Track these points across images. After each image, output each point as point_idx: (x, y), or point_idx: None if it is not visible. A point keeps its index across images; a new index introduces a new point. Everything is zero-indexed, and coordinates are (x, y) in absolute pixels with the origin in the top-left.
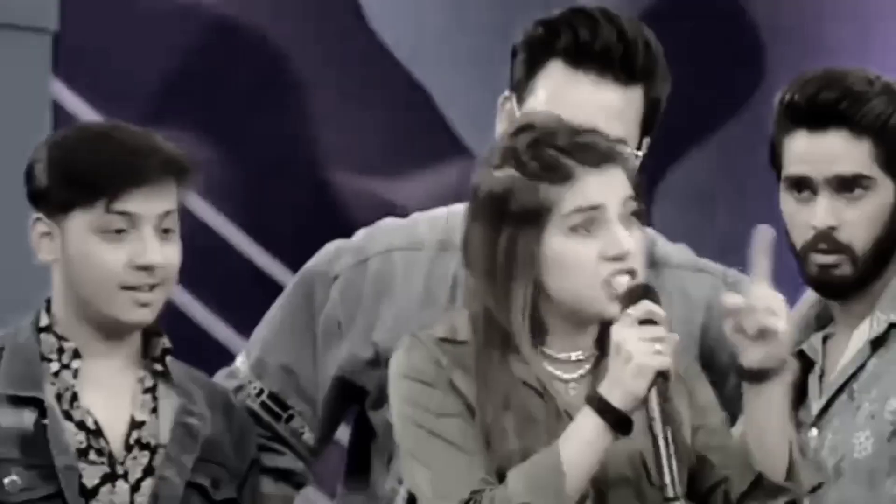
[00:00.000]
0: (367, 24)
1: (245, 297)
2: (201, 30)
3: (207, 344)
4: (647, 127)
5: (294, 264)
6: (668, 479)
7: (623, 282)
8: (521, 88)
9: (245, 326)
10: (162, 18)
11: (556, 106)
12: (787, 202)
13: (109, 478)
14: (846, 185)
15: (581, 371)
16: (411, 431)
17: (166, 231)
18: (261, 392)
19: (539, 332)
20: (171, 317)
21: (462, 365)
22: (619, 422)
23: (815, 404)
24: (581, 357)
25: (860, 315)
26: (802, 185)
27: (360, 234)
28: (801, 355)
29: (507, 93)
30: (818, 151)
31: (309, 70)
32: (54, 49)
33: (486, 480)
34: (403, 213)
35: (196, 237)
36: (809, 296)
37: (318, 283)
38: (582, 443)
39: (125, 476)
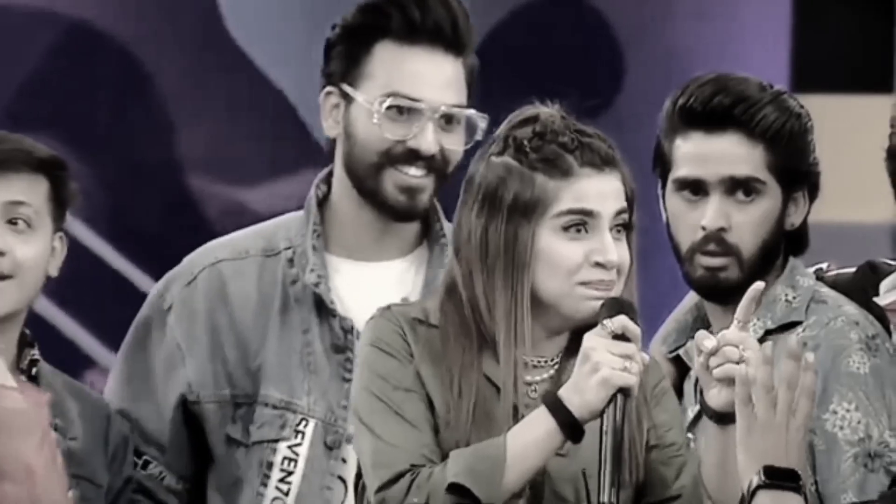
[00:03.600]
0: (227, 30)
1: (102, 300)
2: (58, 34)
3: (61, 344)
4: (470, 96)
5: (151, 269)
6: (605, 498)
7: (601, 294)
8: (348, 78)
9: (99, 328)
10: (17, 24)
11: (394, 83)
12: (675, 203)
13: None
14: (739, 187)
15: (545, 375)
16: (366, 399)
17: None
18: None
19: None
20: (27, 319)
21: (431, 349)
22: (571, 428)
23: (691, 410)
24: (546, 363)
25: None
26: (694, 186)
27: (185, 260)
28: (678, 360)
29: (328, 88)
30: (713, 153)
31: (168, 76)
32: None
33: (428, 458)
34: (262, 219)
35: None
36: (687, 301)
37: (153, 325)
38: (530, 440)
39: None
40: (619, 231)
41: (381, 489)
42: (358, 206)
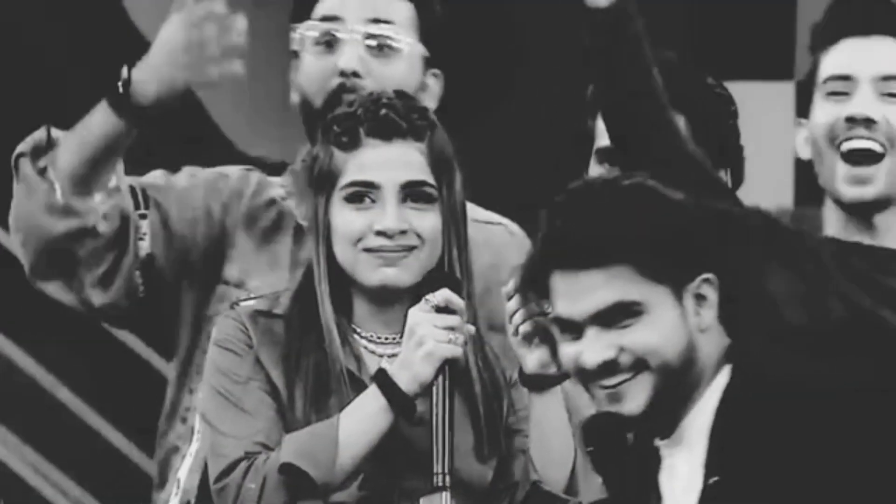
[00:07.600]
0: (126, 15)
1: None
2: None
3: None
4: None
5: None
6: (437, 468)
7: (388, 259)
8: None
9: None
10: None
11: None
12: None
13: None
14: None
15: (398, 350)
16: (208, 395)
17: None
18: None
19: (348, 310)
20: None
21: (271, 335)
22: (401, 403)
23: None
24: (397, 339)
25: None
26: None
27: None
28: None
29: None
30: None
31: (66, 62)
32: None
33: (264, 444)
34: None
35: None
36: None
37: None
38: (362, 416)
39: None
40: (417, 201)
41: (218, 479)
42: None
